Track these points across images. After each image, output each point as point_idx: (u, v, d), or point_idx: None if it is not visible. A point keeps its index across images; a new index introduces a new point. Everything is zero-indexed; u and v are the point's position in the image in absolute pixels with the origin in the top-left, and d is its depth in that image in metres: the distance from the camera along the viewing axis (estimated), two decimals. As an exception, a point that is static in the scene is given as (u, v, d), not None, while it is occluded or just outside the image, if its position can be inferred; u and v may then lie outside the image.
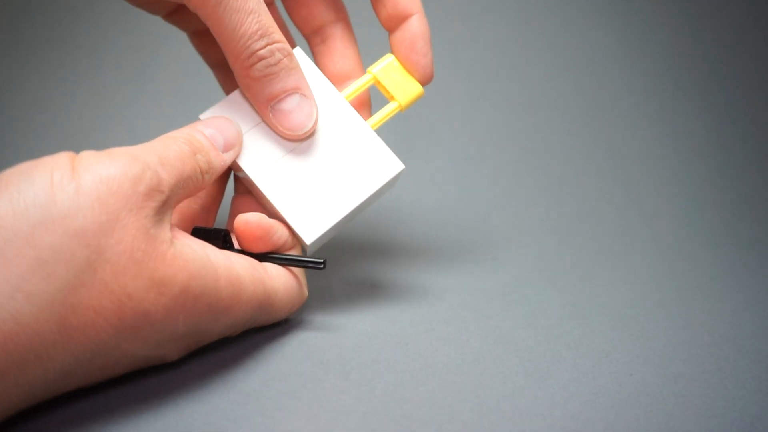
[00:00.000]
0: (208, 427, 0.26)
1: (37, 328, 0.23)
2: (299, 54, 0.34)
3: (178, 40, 0.64)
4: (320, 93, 0.34)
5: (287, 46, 0.31)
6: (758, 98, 0.63)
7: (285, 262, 0.32)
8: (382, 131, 0.36)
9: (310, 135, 0.33)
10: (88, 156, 0.25)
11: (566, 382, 0.30)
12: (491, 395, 0.28)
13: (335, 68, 0.36)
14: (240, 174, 0.33)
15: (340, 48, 0.36)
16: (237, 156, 0.32)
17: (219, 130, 0.31)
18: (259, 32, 0.30)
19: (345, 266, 0.44)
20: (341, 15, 0.36)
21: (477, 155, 0.60)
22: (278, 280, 0.31)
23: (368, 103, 0.37)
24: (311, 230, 0.32)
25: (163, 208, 0.26)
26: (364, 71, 0.36)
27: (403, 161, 0.35)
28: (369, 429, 0.26)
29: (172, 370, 0.30)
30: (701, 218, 0.54)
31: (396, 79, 0.35)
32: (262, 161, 0.32)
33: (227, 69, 0.35)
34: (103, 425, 0.26)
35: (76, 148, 0.26)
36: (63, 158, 0.25)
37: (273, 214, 0.33)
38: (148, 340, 0.26)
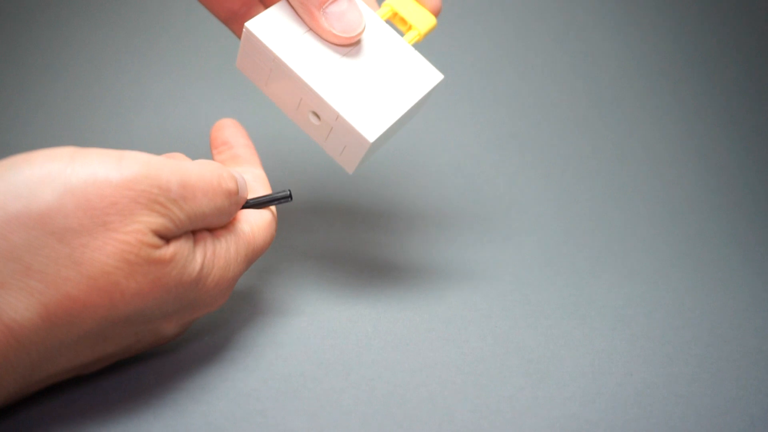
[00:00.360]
0: (208, 427, 0.26)
1: (18, 318, 0.23)
2: None
3: (178, 41, 0.64)
4: (365, 13, 0.35)
5: None
6: (758, 98, 0.63)
7: (255, 204, 0.31)
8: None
9: (359, 39, 0.34)
10: (93, 153, 0.25)
11: (566, 382, 0.30)
12: (491, 395, 0.28)
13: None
14: (276, 88, 0.34)
15: None
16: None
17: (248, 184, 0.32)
18: None
19: (345, 266, 0.44)
20: None
21: (478, 155, 0.60)
22: (246, 220, 0.31)
23: None
24: (372, 128, 0.32)
25: (159, 220, 0.25)
26: (379, 4, 0.37)
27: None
28: (369, 429, 0.26)
29: (171, 370, 0.30)
30: (701, 218, 0.54)
31: (411, 10, 0.37)
32: (315, 65, 0.33)
33: (240, 19, 0.37)
34: (102, 425, 0.26)
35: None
36: (65, 151, 0.24)
37: (322, 123, 0.33)
38: (138, 324, 0.26)
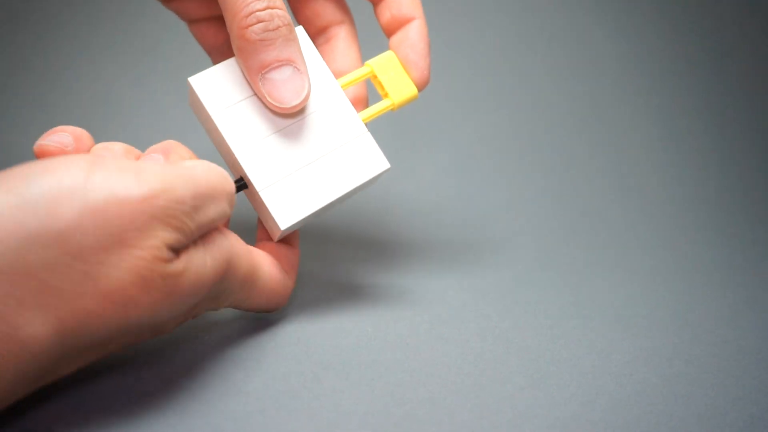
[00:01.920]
0: (208, 427, 0.26)
1: (32, 332, 0.23)
2: (301, 33, 0.33)
3: (178, 41, 0.64)
4: (317, 78, 0.33)
5: (288, 18, 0.31)
6: (758, 98, 0.63)
7: None
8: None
9: (297, 111, 0.32)
10: (111, 167, 0.24)
11: (566, 382, 0.30)
12: (491, 395, 0.28)
13: (336, 66, 0.36)
14: (222, 152, 0.33)
15: (342, 48, 0.36)
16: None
17: None
18: None
19: (345, 266, 0.44)
20: (346, 17, 0.37)
21: (477, 155, 0.60)
22: (264, 260, 0.31)
23: (365, 101, 0.37)
24: (288, 216, 0.31)
25: (175, 236, 0.25)
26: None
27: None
28: (369, 429, 0.26)
29: (171, 369, 0.30)
30: (701, 218, 0.54)
31: (392, 76, 0.35)
32: (248, 135, 0.31)
33: (226, 54, 0.35)
34: (102, 425, 0.26)
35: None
36: (82, 162, 0.24)
37: (252, 194, 0.32)
38: (146, 330, 0.26)
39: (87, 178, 0.23)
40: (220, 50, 0.38)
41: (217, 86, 0.31)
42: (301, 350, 0.32)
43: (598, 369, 0.31)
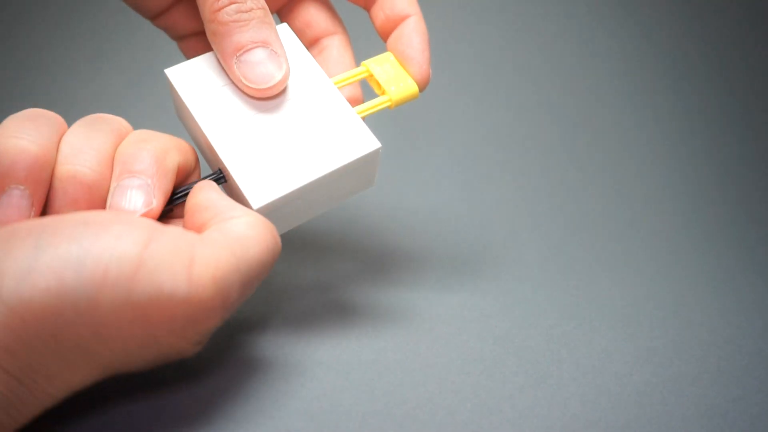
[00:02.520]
0: (209, 427, 0.26)
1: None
2: (285, 30, 0.32)
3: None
4: (303, 69, 0.32)
5: (264, 2, 0.30)
6: (758, 98, 0.63)
7: (177, 197, 0.29)
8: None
9: (274, 94, 0.30)
10: (164, 252, 0.23)
11: (566, 382, 0.30)
12: (491, 395, 0.28)
13: (330, 74, 0.35)
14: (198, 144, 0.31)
15: (336, 56, 0.35)
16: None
17: None
18: None
19: (344, 266, 0.44)
20: (339, 27, 0.36)
21: (477, 155, 0.60)
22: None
23: (360, 102, 0.35)
24: (261, 195, 0.28)
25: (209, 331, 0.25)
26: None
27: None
28: (369, 429, 0.26)
29: (171, 370, 0.30)
30: (701, 218, 0.54)
31: (390, 74, 0.33)
32: (224, 123, 0.30)
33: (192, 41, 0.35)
34: (102, 425, 0.26)
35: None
36: (139, 239, 0.23)
37: (230, 186, 0.30)
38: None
39: (139, 265, 0.22)
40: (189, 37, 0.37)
41: (193, 77, 0.31)
42: (301, 350, 0.32)
43: (598, 369, 0.31)
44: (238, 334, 0.34)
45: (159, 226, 0.24)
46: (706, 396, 0.29)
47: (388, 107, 0.33)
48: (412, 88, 0.33)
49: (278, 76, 0.29)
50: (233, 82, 0.30)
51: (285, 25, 0.33)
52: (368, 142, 0.30)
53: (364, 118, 0.32)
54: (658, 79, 0.64)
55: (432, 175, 0.56)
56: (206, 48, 0.35)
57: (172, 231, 0.24)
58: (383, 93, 0.33)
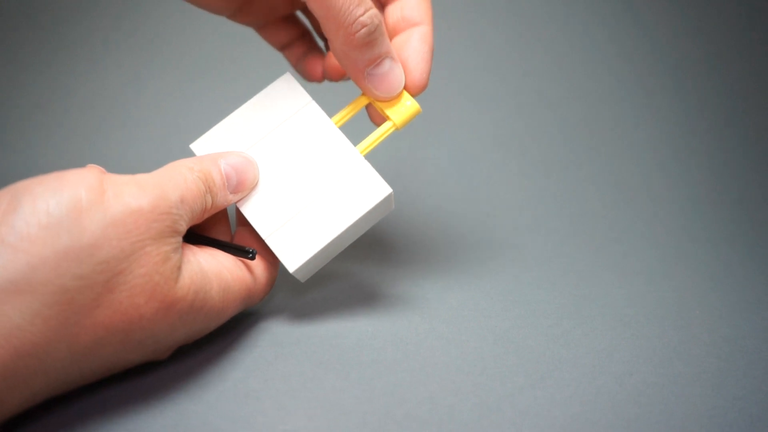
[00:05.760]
0: (208, 427, 0.26)
1: (49, 350, 0.24)
2: (288, 79, 0.35)
3: (177, 41, 0.64)
4: (310, 119, 0.34)
5: (378, 11, 0.33)
6: (758, 98, 0.63)
7: (218, 246, 0.32)
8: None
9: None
10: (117, 182, 0.26)
11: (566, 382, 0.30)
12: (491, 395, 0.28)
13: (404, 14, 0.36)
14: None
15: (414, 47, 0.36)
16: (244, 197, 0.33)
17: (236, 171, 0.32)
18: (356, 1, 0.31)
19: (344, 266, 0.44)
20: (425, 18, 0.37)
21: (477, 155, 0.60)
22: (257, 269, 0.33)
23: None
24: (295, 258, 0.32)
25: (178, 239, 0.28)
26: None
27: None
28: (369, 429, 0.26)
29: (171, 370, 0.30)
30: (701, 218, 0.54)
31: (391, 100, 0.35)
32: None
33: (294, 48, 0.40)
34: (102, 425, 0.26)
35: (77, 149, 0.26)
36: (91, 178, 0.25)
37: (261, 241, 0.33)
38: (149, 349, 0.27)
39: (102, 193, 0.25)
40: (290, 48, 0.41)
41: (217, 146, 0.34)
42: (301, 350, 0.32)
43: (598, 369, 0.31)
44: (236, 335, 0.34)
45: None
46: (706, 396, 0.29)
47: (396, 130, 0.35)
48: (412, 109, 0.35)
49: (402, 82, 0.34)
50: (364, 93, 0.35)
51: (288, 74, 0.35)
52: (380, 189, 0.33)
53: (375, 147, 0.35)
54: (658, 79, 0.64)
55: (432, 175, 0.56)
56: (288, 31, 0.40)
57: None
58: (387, 118, 0.35)
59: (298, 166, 0.33)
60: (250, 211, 0.33)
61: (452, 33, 0.65)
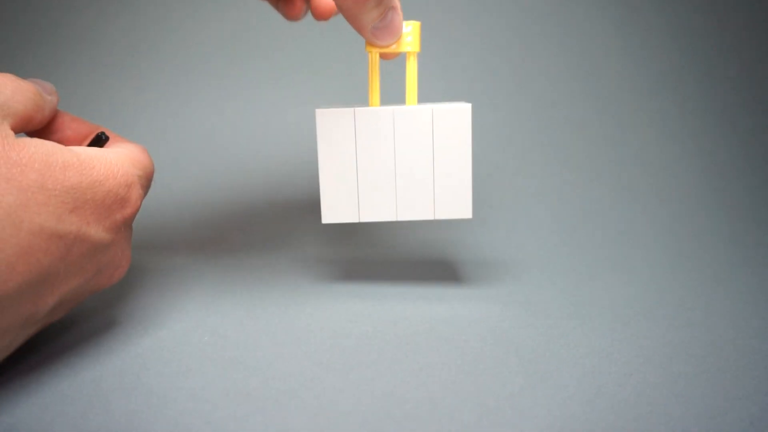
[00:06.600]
0: (208, 427, 0.26)
1: None
2: (322, 113, 0.35)
3: (177, 41, 0.64)
4: (371, 120, 0.35)
5: None
6: (758, 99, 0.63)
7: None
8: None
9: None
10: None
11: (566, 382, 0.30)
12: (491, 395, 0.28)
13: None
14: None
15: None
16: (56, 102, 0.34)
17: (42, 87, 0.33)
18: None
19: (344, 266, 0.44)
20: None
21: (477, 155, 0.60)
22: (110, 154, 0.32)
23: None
24: (331, 214, 0.33)
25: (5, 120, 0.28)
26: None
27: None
28: (369, 429, 0.26)
29: (171, 370, 0.30)
30: (701, 218, 0.54)
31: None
32: (340, 140, 0.34)
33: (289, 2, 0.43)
34: (102, 425, 0.26)
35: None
36: None
37: None
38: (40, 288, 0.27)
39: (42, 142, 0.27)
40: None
41: (334, 125, 0.35)
42: (301, 350, 0.32)
43: (598, 369, 0.31)
44: (236, 335, 0.34)
45: None
46: (706, 396, 0.29)
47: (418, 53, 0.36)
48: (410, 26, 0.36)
49: (400, 31, 0.35)
50: (368, 44, 0.35)
51: (317, 110, 0.35)
52: (462, 209, 0.34)
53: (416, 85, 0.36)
54: (659, 80, 0.64)
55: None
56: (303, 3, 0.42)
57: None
58: (398, 51, 0.36)
59: (400, 148, 0.34)
60: (324, 154, 0.33)
61: (452, 33, 0.65)
